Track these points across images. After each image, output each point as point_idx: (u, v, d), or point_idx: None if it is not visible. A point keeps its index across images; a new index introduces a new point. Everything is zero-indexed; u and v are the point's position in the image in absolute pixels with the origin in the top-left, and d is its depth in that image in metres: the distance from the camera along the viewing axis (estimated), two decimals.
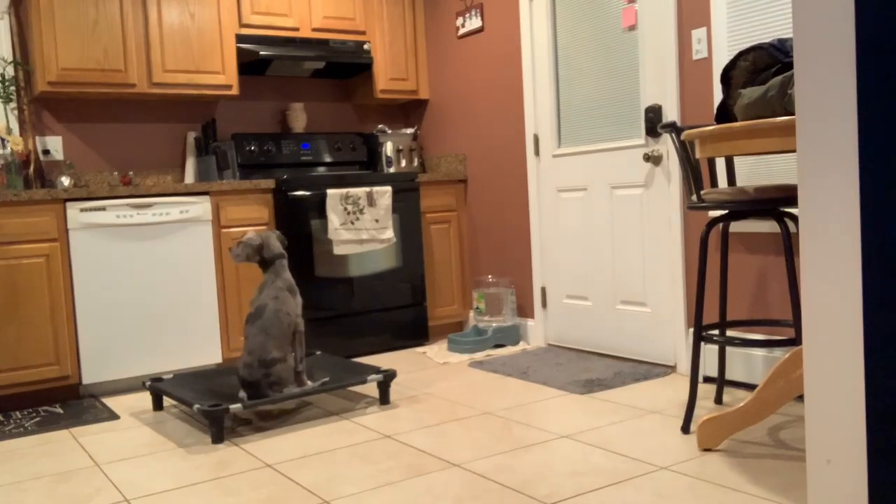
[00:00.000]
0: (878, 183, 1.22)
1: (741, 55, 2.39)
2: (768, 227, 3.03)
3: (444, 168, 4.82)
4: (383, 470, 2.44)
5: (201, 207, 3.80)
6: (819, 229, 1.31)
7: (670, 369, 3.48)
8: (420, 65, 4.84)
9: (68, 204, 3.49)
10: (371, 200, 4.17)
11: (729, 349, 3.16)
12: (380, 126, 4.88)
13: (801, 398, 2.78)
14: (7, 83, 3.82)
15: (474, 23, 4.47)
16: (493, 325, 4.27)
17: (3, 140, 3.76)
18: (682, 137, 2.48)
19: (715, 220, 2.58)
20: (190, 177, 4.31)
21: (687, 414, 2.64)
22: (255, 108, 4.64)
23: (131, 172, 4.23)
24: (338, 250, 4.10)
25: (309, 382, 3.10)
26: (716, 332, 3.00)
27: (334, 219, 4.08)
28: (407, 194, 4.38)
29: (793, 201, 2.39)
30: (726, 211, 2.63)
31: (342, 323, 4.19)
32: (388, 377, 3.18)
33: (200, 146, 4.32)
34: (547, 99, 4.05)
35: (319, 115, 4.87)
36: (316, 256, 4.09)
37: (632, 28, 3.57)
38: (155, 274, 3.69)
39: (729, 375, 3.19)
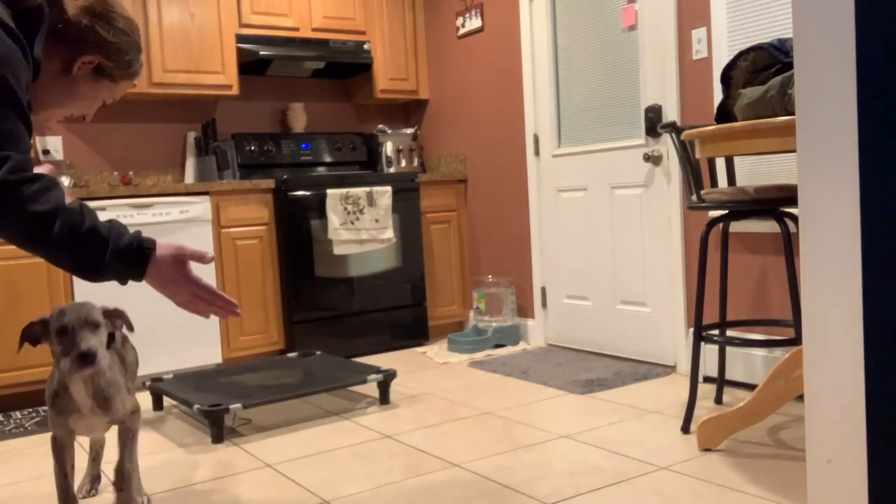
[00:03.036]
0: (878, 182, 1.22)
1: (741, 55, 2.38)
2: (768, 227, 3.03)
3: (444, 168, 4.82)
4: (383, 470, 2.44)
5: (201, 207, 3.80)
6: (819, 229, 1.30)
7: (670, 369, 3.48)
8: (420, 65, 4.84)
9: None
10: (371, 200, 4.17)
11: (729, 349, 3.16)
12: (380, 126, 4.88)
13: (801, 398, 2.78)
14: None
15: (474, 23, 4.47)
16: (493, 325, 4.27)
17: None
18: (682, 137, 2.48)
19: (715, 220, 2.58)
20: (190, 177, 4.31)
21: (687, 414, 2.64)
22: (255, 108, 4.64)
23: (131, 172, 4.23)
24: (338, 250, 4.10)
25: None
26: (716, 332, 3.00)
27: (334, 219, 4.08)
28: (407, 194, 4.38)
29: (793, 201, 2.38)
30: (726, 211, 2.63)
31: (342, 323, 4.19)
32: (388, 377, 3.18)
33: (200, 146, 4.32)
34: (547, 99, 4.05)
35: (319, 115, 4.87)
36: (316, 256, 4.09)
37: (632, 28, 3.57)
38: None
39: (729, 375, 3.18)
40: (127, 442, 2.02)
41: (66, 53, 1.56)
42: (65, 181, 3.84)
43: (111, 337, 1.92)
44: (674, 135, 2.62)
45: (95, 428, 1.96)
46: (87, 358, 1.74)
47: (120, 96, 1.73)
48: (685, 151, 2.60)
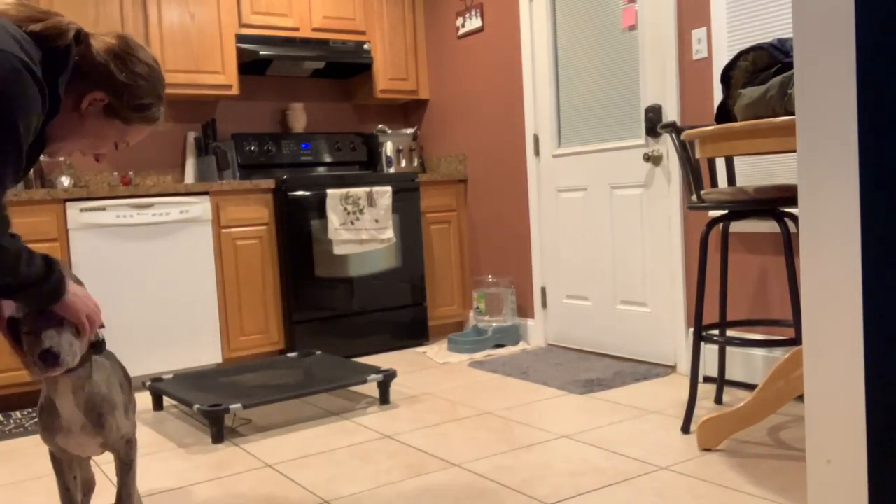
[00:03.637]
0: (878, 183, 1.22)
1: (741, 55, 2.38)
2: (768, 227, 3.03)
3: (444, 168, 4.82)
4: (383, 470, 2.44)
5: (201, 207, 3.80)
6: (819, 229, 1.30)
7: (670, 369, 3.48)
8: (420, 65, 4.84)
9: (68, 204, 3.49)
10: (371, 200, 4.17)
11: (729, 349, 3.16)
12: (380, 126, 4.88)
13: (801, 398, 2.78)
14: None
15: (474, 23, 4.47)
16: (493, 325, 4.27)
17: None
18: (682, 137, 2.48)
19: (715, 220, 2.57)
20: (190, 177, 4.31)
21: (687, 414, 2.64)
22: (255, 108, 4.64)
23: (131, 172, 4.23)
24: (338, 250, 4.10)
25: None
26: (716, 332, 3.00)
27: (334, 219, 4.08)
28: (407, 194, 4.38)
29: (793, 201, 2.38)
30: (726, 211, 2.63)
31: (342, 323, 4.19)
32: (388, 377, 3.18)
33: (200, 146, 4.32)
34: (547, 99, 4.05)
35: (319, 115, 4.87)
36: (316, 256, 4.09)
37: (632, 28, 3.57)
38: (155, 274, 3.69)
39: (729, 375, 3.18)
40: (122, 477, 1.80)
41: (79, 89, 1.57)
42: (65, 181, 3.84)
43: (95, 344, 1.68)
44: (674, 135, 2.62)
45: (87, 448, 1.76)
46: (48, 357, 1.53)
47: (135, 141, 1.69)
48: (685, 151, 2.60)
